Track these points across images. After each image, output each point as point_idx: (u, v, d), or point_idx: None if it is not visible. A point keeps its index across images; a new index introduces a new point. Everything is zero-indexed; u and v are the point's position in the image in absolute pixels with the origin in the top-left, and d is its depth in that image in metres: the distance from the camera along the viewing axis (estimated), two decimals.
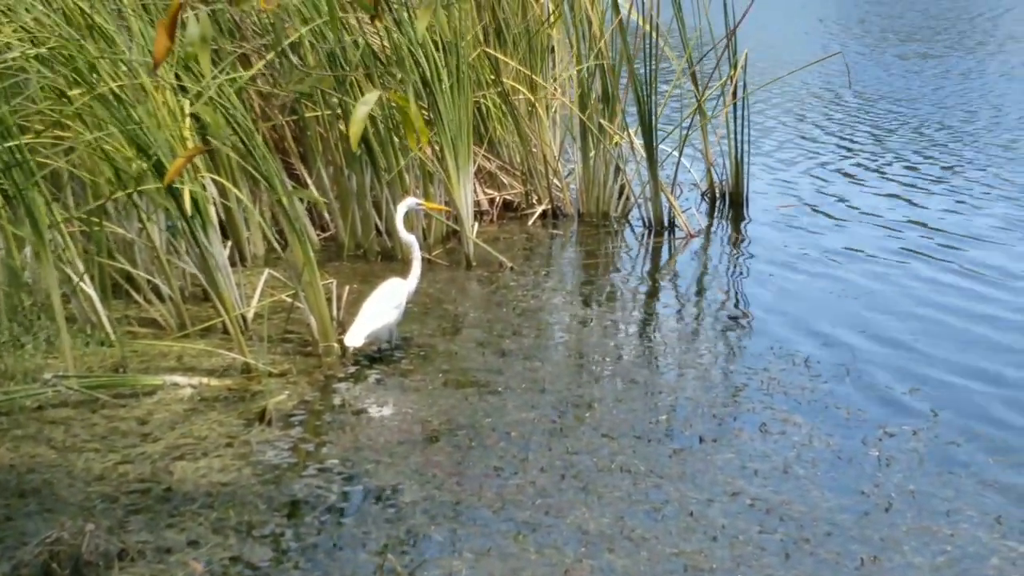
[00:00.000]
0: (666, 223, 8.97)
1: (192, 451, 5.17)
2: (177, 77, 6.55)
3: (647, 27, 8.69)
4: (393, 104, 7.50)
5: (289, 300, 6.68)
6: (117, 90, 6.09)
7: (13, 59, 6.04)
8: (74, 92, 6.25)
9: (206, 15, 3.01)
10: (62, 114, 6.45)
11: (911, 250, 8.33)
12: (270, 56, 7.76)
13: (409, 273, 6.49)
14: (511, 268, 7.99)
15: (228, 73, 7.04)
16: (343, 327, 6.43)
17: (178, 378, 5.95)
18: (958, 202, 9.66)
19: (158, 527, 4.50)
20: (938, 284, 7.58)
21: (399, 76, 7.96)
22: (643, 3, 8.79)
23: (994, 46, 21.17)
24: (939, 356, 6.33)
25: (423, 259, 6.73)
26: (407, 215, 6.62)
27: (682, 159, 9.16)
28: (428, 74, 7.78)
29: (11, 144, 5.86)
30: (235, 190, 7.30)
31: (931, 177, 10.64)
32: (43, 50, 6.15)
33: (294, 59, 8.01)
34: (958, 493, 4.77)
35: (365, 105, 3.46)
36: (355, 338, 6.17)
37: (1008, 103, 14.56)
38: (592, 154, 9.10)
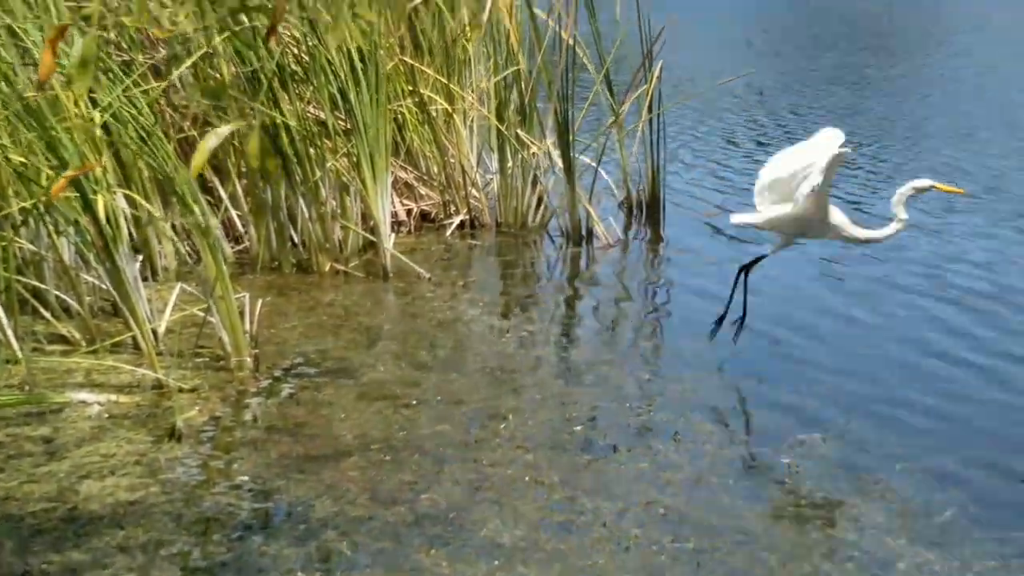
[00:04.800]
0: (584, 233, 9.00)
1: (99, 469, 5.07)
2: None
3: (565, 36, 8.72)
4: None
5: (201, 314, 6.58)
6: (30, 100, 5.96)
7: None
8: None
9: (93, 37, 2.94)
10: None
11: (827, 259, 8.42)
12: (176, 73, 7.63)
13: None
14: (428, 279, 7.96)
15: (139, 85, 6.95)
16: (255, 341, 6.37)
17: (86, 395, 5.84)
18: (876, 208, 9.73)
19: (64, 547, 4.41)
20: (852, 295, 7.68)
21: (314, 86, 7.92)
22: (560, 16, 8.81)
23: (920, 57, 21.55)
24: (849, 366, 6.40)
25: (339, 272, 6.61)
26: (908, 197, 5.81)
27: (600, 170, 9.18)
28: (345, 84, 7.74)
29: None
30: (146, 204, 7.19)
31: (846, 187, 10.76)
32: None
33: (208, 71, 7.92)
34: (865, 500, 4.83)
35: (216, 137, 3.46)
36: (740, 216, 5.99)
37: (936, 113, 14.81)
38: (510, 164, 9.10)
